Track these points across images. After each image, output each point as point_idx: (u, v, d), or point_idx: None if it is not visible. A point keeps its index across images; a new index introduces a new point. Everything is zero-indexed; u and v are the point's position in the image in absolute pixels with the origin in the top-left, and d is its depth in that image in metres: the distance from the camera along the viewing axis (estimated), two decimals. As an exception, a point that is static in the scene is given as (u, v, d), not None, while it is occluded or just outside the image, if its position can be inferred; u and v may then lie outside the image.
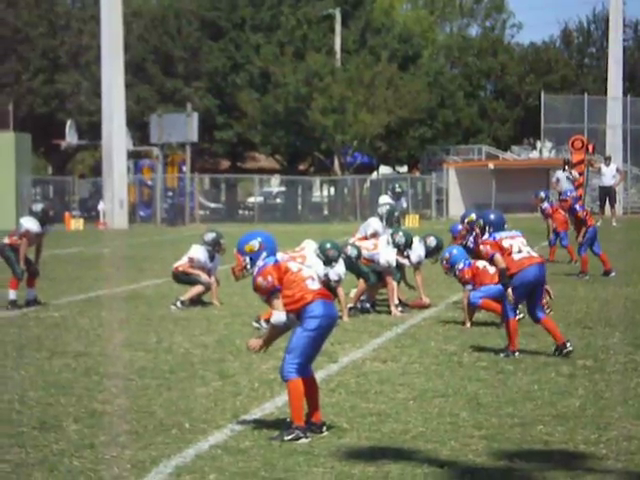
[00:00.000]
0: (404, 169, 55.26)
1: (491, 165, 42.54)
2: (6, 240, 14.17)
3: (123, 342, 11.12)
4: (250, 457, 6.52)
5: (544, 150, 50.38)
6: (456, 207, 40.49)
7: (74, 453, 6.63)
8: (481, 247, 10.23)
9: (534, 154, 54.97)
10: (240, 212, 47.46)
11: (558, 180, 27.75)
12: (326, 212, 46.62)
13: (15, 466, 6.38)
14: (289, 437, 6.84)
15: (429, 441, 6.88)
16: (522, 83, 52.17)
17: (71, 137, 43.07)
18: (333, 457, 6.50)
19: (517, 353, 9.92)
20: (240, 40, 47.11)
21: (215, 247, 14.15)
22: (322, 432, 7.02)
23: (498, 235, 10.16)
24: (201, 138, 42.12)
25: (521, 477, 6.09)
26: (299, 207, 45.78)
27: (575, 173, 28.73)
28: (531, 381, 8.79)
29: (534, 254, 10.14)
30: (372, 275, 12.99)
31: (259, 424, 7.33)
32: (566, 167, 28.19)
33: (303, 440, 6.81)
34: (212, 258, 14.16)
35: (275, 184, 56.16)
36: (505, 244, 10.06)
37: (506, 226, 10.43)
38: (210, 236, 14.24)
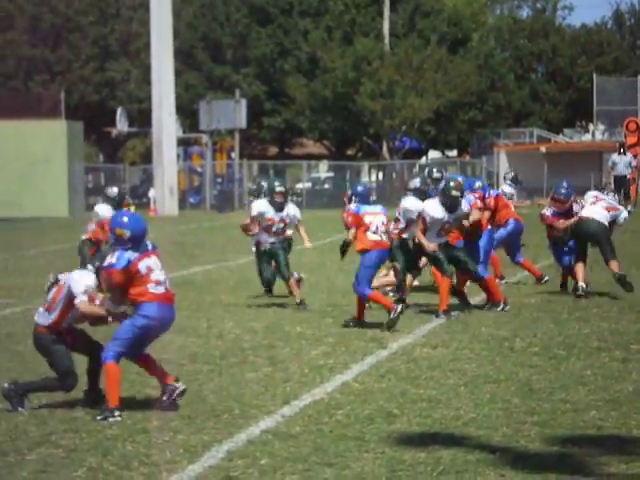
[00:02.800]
0: (453, 153, 54.89)
1: (543, 148, 42.08)
2: (84, 236, 13.55)
3: (174, 328, 11.17)
4: (301, 442, 6.54)
5: (597, 133, 49.73)
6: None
7: (127, 438, 6.70)
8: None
9: (586, 137, 54.29)
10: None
11: (614, 164, 27.34)
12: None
13: (69, 451, 6.46)
14: (100, 417, 7.09)
15: (481, 427, 6.83)
16: (574, 65, 51.51)
17: (122, 125, 43.42)
18: (384, 443, 6.49)
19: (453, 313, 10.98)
20: (288, 25, 47.10)
21: (120, 202, 13.47)
22: (179, 384, 7.32)
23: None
24: (249, 124, 42.22)
25: (574, 463, 6.03)
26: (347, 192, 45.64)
27: (632, 159, 28.28)
28: (584, 366, 8.70)
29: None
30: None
31: (309, 410, 7.34)
32: (622, 150, 27.80)
33: (115, 419, 7.04)
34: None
35: (323, 170, 56.13)
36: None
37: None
38: (113, 191, 13.69)
